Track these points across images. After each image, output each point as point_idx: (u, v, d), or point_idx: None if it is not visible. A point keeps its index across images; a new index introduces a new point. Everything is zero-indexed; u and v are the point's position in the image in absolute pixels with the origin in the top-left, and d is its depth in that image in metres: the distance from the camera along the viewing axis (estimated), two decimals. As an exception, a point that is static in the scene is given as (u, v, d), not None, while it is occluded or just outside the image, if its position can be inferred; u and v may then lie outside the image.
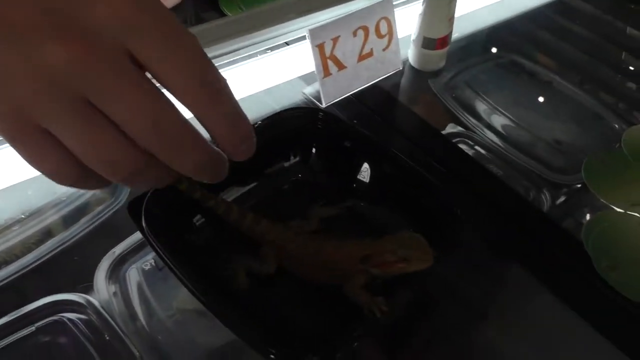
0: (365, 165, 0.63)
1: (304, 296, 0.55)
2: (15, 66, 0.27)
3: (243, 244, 0.56)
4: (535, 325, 0.58)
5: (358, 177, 0.64)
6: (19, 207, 0.64)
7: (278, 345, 0.44)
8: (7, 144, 0.29)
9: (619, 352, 0.54)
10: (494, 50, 0.96)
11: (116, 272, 0.58)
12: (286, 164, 0.66)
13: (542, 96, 0.87)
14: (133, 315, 0.55)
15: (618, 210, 0.67)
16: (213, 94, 0.30)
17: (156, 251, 0.49)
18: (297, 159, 0.66)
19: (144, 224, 0.50)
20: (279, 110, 0.65)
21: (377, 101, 0.79)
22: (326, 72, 0.67)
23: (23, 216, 0.63)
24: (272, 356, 0.43)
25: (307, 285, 0.55)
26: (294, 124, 0.64)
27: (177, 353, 0.53)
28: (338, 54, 0.69)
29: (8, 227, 0.62)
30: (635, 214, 0.66)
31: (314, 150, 0.66)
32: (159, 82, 0.29)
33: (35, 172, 0.30)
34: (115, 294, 0.56)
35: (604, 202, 0.68)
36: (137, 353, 0.52)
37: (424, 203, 0.59)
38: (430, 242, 0.50)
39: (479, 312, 0.58)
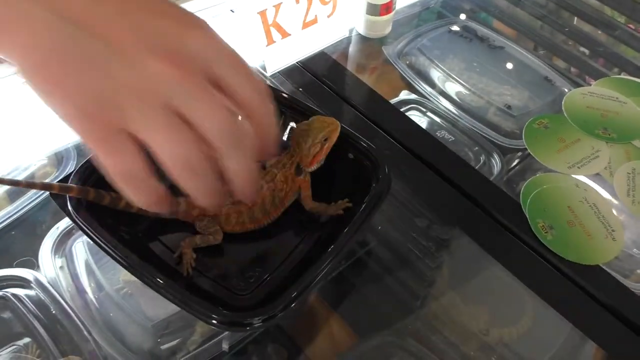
0: (291, 127, 0.62)
1: (251, 259, 0.55)
2: (121, 74, 0.34)
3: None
4: (474, 285, 0.60)
5: (284, 139, 0.63)
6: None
7: (219, 311, 0.44)
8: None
9: (553, 310, 0.56)
10: (448, 16, 0.96)
11: (62, 247, 0.58)
12: None
13: (495, 61, 0.86)
14: (80, 290, 0.55)
15: (557, 172, 0.68)
16: (264, 99, 0.40)
17: (81, 229, 0.49)
18: None
19: (69, 207, 0.49)
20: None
21: (324, 69, 0.78)
22: (269, 40, 0.66)
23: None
24: (214, 321, 0.44)
25: (253, 248, 0.56)
26: None
27: (126, 326, 0.53)
28: (281, 21, 0.67)
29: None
30: (572, 175, 0.67)
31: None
32: (229, 96, 0.38)
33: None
34: (61, 268, 0.56)
35: (544, 164, 0.69)
36: (85, 328, 0.51)
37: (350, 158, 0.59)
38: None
39: (421, 274, 0.59)
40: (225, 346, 0.51)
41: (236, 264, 0.55)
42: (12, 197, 0.62)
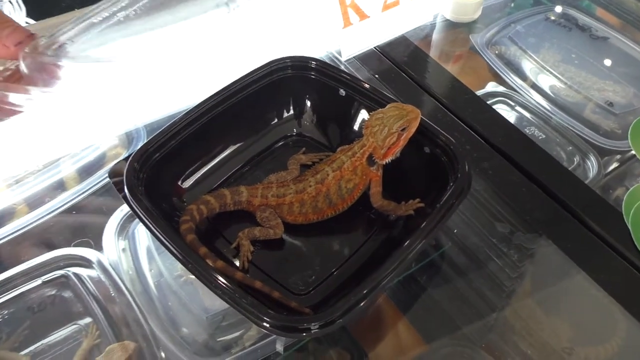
0: (363, 115, 0.59)
1: (311, 256, 0.53)
2: None
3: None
4: (559, 300, 0.54)
5: (355, 127, 0.60)
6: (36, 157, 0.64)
7: (271, 314, 0.41)
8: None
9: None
10: (545, 2, 0.89)
11: (125, 229, 0.57)
12: (278, 120, 0.62)
13: (597, 54, 0.80)
14: (140, 274, 0.54)
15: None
16: None
17: (143, 221, 0.47)
18: (290, 113, 0.63)
19: (126, 192, 0.48)
20: (266, 62, 0.60)
21: (404, 55, 0.74)
22: (346, 22, 0.63)
23: (38, 168, 0.63)
24: (265, 324, 0.41)
25: (315, 244, 0.53)
26: (283, 76, 0.60)
27: (182, 315, 0.51)
28: (360, 2, 0.63)
29: (24, 177, 0.62)
30: (687, 186, 0.60)
31: (307, 102, 0.62)
32: None
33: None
34: (124, 250, 0.56)
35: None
36: (142, 314, 0.51)
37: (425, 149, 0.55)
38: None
39: (500, 283, 0.54)
40: (279, 347, 0.49)
41: (295, 259, 0.52)
42: (82, 176, 0.63)
